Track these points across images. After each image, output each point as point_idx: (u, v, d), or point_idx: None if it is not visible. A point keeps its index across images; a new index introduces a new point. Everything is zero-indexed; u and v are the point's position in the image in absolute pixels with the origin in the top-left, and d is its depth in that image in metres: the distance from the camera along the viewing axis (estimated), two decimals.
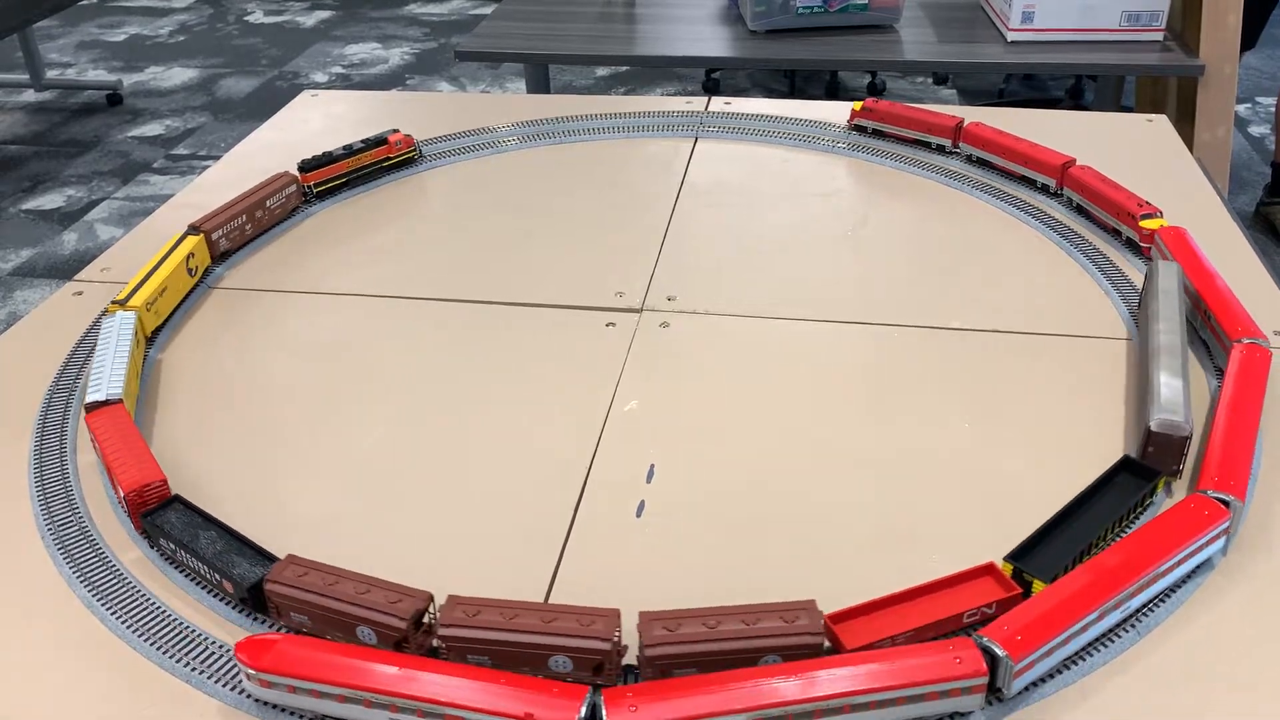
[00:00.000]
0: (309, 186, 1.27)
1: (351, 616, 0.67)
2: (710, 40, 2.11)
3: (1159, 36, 2.01)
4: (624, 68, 4.01)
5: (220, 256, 1.15)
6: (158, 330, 1.04)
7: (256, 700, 0.66)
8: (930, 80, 3.75)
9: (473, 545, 0.78)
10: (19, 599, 0.74)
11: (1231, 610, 0.71)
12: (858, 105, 1.37)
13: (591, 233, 1.18)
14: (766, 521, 0.79)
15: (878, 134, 1.36)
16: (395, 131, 1.33)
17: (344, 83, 3.99)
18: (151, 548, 0.78)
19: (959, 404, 0.90)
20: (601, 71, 4.00)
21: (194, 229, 1.12)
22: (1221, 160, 2.19)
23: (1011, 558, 0.71)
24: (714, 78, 3.81)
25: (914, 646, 0.64)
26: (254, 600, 0.71)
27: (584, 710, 0.60)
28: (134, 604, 0.73)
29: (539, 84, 2.31)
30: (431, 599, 0.68)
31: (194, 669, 0.68)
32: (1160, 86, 2.50)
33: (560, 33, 2.17)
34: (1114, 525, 0.75)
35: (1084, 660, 0.67)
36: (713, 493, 0.82)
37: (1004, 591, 0.69)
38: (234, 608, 0.73)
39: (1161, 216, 1.09)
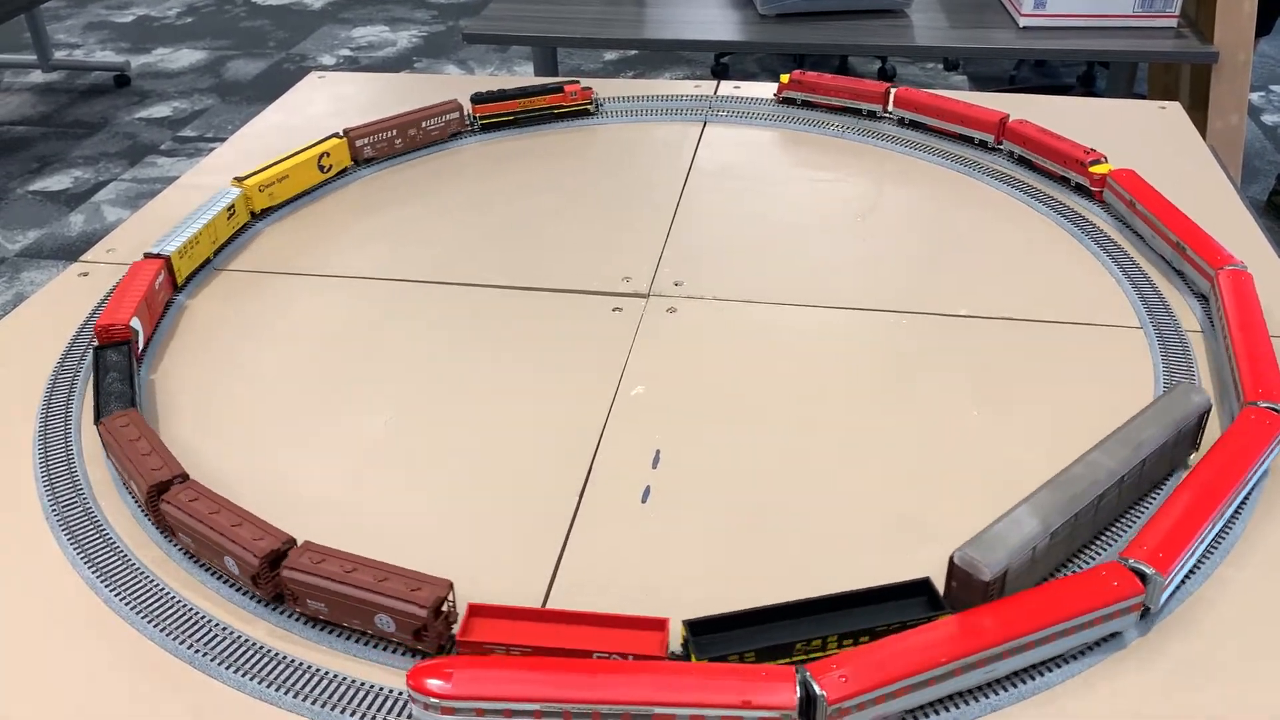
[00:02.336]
0: (475, 118, 1.35)
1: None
2: (720, 24, 2.10)
3: (1173, 23, 1.99)
4: (632, 51, 3.99)
5: (365, 162, 1.27)
6: (270, 210, 1.18)
7: None
8: (941, 66, 3.73)
9: (477, 528, 0.78)
10: (23, 581, 0.74)
11: None
12: (785, 78, 1.40)
13: (598, 217, 1.18)
14: (773, 507, 0.79)
15: (807, 105, 1.39)
16: (574, 82, 1.38)
17: (351, 65, 3.98)
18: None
19: (968, 391, 0.90)
20: (610, 55, 3.99)
21: (343, 133, 1.23)
22: (1234, 148, 2.17)
23: (689, 624, 0.65)
24: (723, 62, 3.79)
25: (1068, 579, 0.66)
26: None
27: (799, 690, 0.60)
28: (136, 584, 0.73)
29: (547, 67, 2.30)
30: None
31: (197, 650, 0.68)
32: (1173, 73, 2.49)
33: (569, 15, 2.15)
34: (843, 639, 0.65)
35: (1196, 571, 0.72)
36: (719, 478, 0.82)
37: (654, 649, 0.64)
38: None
39: (1107, 161, 1.14)
